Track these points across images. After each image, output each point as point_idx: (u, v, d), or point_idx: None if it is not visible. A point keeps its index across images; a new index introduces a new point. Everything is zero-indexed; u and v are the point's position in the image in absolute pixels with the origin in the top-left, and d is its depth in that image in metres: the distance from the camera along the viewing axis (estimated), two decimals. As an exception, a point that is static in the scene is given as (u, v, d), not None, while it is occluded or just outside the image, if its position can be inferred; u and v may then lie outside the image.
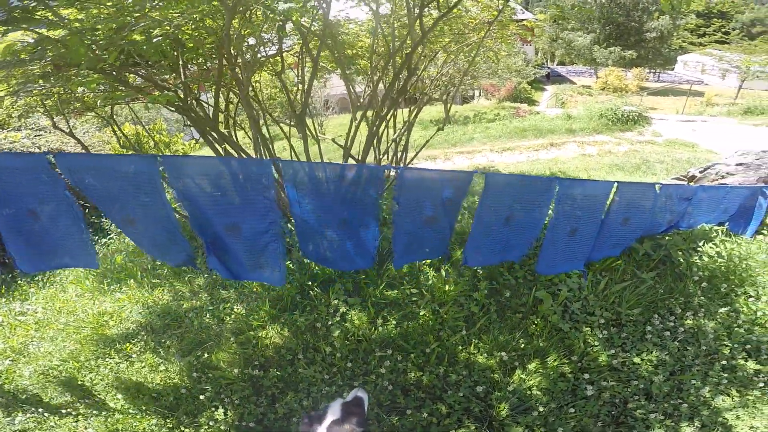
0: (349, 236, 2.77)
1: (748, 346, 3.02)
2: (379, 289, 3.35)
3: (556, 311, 3.20)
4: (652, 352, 2.96)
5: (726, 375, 2.86)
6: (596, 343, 2.99)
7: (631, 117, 11.79)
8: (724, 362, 2.93)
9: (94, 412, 2.67)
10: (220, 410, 2.63)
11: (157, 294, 3.67)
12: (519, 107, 18.84)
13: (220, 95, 3.70)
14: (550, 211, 2.87)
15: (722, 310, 3.27)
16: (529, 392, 2.69)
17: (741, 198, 4.49)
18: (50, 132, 5.47)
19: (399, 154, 6.79)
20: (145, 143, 7.32)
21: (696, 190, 3.77)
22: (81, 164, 2.22)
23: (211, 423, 2.55)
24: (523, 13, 30.25)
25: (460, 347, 2.99)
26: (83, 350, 3.19)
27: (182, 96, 3.46)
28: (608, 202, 3.17)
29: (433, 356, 2.89)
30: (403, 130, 5.81)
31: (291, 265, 3.59)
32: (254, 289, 3.50)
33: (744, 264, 3.75)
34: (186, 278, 3.81)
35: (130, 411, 2.64)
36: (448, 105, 16.90)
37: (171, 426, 2.57)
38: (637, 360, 2.92)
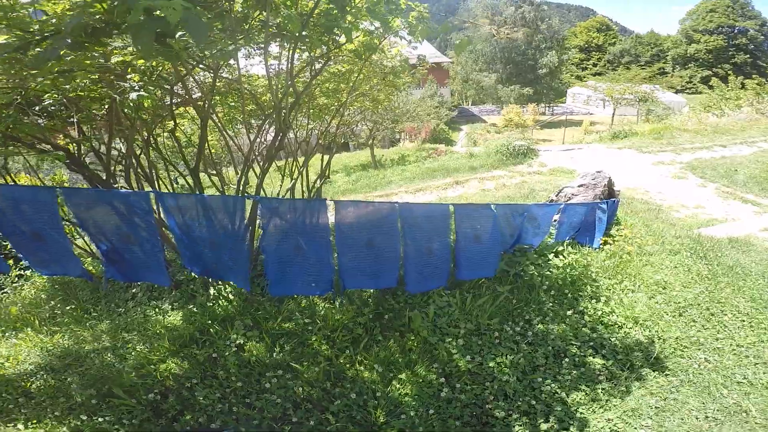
0: (219, 256, 3.18)
1: (593, 344, 3.60)
2: (277, 321, 3.74)
3: (427, 327, 3.68)
4: (506, 356, 3.45)
5: (575, 371, 3.35)
6: (455, 351, 3.48)
7: (521, 151, 13.46)
8: (574, 360, 3.46)
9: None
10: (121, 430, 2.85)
11: (57, 339, 3.78)
12: (438, 148, 20.39)
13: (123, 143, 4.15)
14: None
15: (569, 313, 3.90)
16: (401, 399, 3.13)
17: (577, 214, 5.61)
18: None
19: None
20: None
21: (529, 207, 4.78)
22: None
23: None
24: (439, 57, 33.49)
25: (347, 365, 3.41)
26: None
27: (74, 152, 3.65)
28: (452, 223, 3.72)
29: (321, 374, 3.28)
30: (319, 179, 6.58)
31: (194, 308, 3.94)
32: (157, 331, 3.74)
33: (587, 270, 4.51)
34: (87, 324, 3.98)
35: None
36: (373, 150, 17.57)
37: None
38: (492, 364, 3.38)
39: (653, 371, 3.40)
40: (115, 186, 4.22)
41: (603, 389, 3.25)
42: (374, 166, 17.12)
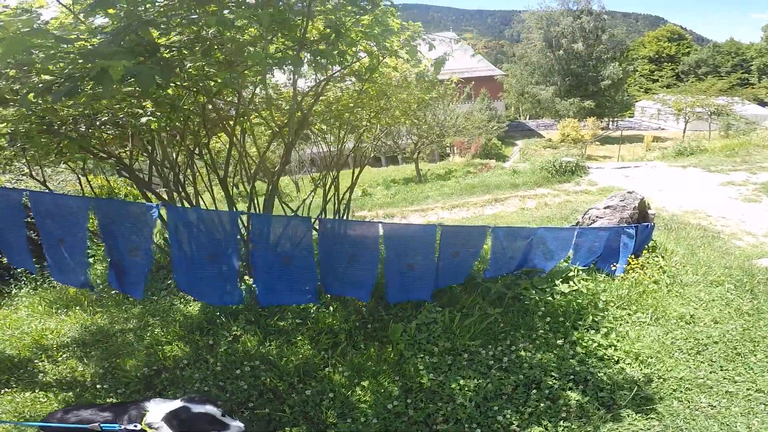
0: (218, 271, 3.48)
1: (576, 377, 3.33)
2: (273, 319, 4.03)
3: (405, 340, 3.67)
4: (473, 379, 3.32)
5: (542, 404, 3.11)
6: (422, 367, 3.43)
7: (568, 168, 12.50)
8: (545, 392, 3.22)
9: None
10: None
11: (96, 318, 4.40)
12: (488, 163, 20.10)
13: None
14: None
15: (559, 342, 3.66)
16: (357, 405, 3.18)
17: (597, 238, 5.27)
18: (30, 178, 6.40)
19: (342, 212, 7.79)
20: (118, 191, 8.46)
21: (536, 230, 4.63)
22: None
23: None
24: (492, 70, 33.11)
25: (321, 365, 3.54)
26: (18, 356, 3.85)
27: (125, 162, 4.42)
28: (437, 243, 3.76)
29: (293, 370, 3.46)
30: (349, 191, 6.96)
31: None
32: (176, 318, 4.20)
33: (594, 299, 4.18)
34: (124, 307, 4.57)
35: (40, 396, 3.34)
36: (419, 163, 17.83)
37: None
38: (454, 385, 3.26)
39: (636, 413, 3.07)
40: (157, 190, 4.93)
41: (566, 428, 2.99)
42: (418, 180, 17.24)
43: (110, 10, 2.57)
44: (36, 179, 5.06)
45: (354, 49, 4.03)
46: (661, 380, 3.32)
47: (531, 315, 4.02)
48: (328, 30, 3.47)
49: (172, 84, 3.27)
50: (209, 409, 2.40)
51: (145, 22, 2.43)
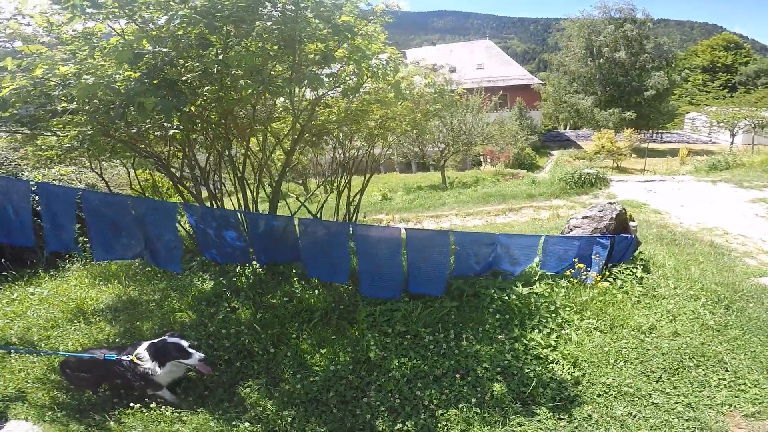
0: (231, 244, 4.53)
1: (505, 371, 3.59)
2: (267, 297, 4.70)
3: (368, 321, 4.16)
4: (413, 359, 3.71)
5: (465, 389, 3.40)
6: (373, 344, 3.88)
7: (588, 180, 12.10)
8: (471, 380, 3.50)
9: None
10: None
11: (129, 290, 5.27)
12: (518, 173, 19.87)
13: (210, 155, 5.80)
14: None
15: (500, 337, 3.92)
16: (311, 367, 3.76)
17: (571, 247, 5.32)
18: (90, 171, 7.32)
19: (351, 214, 8.37)
20: (161, 184, 9.70)
21: (497, 237, 4.89)
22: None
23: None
24: (528, 79, 32.54)
25: (293, 335, 4.16)
26: (62, 317, 4.73)
27: (163, 161, 5.37)
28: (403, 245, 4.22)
29: (268, 336, 4.11)
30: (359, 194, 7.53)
31: (222, 280, 5.02)
32: (193, 293, 4.92)
33: (547, 303, 4.38)
34: (153, 283, 5.42)
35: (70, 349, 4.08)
36: (445, 171, 18.18)
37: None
38: (395, 362, 3.67)
39: (549, 411, 3.24)
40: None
41: (477, 413, 3.22)
42: (443, 188, 17.48)
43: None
44: (95, 171, 6.23)
45: (346, 70, 4.57)
46: (589, 384, 3.50)
47: (484, 311, 4.30)
48: (317, 57, 4.05)
49: (191, 106, 4.08)
50: (179, 341, 3.22)
51: (167, 63, 3.24)
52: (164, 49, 3.40)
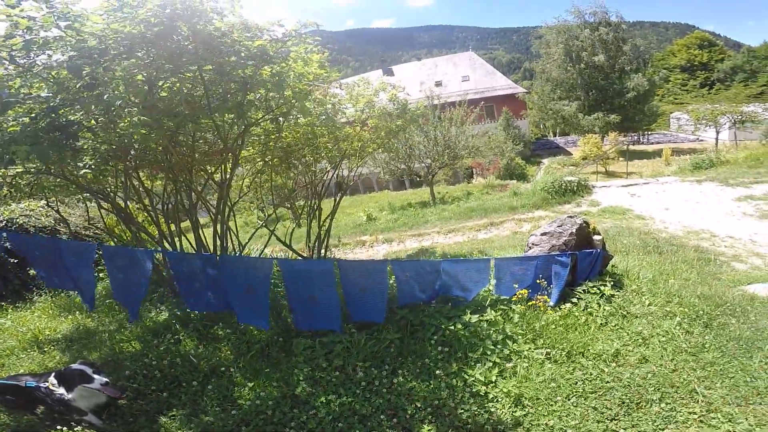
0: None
1: (435, 411, 3.20)
2: (213, 329, 4.58)
3: (305, 355, 3.88)
4: (342, 396, 3.36)
5: (389, 430, 3.05)
6: (302, 378, 3.61)
7: (570, 188, 11.59)
8: (395, 420, 3.15)
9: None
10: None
11: (87, 321, 5.24)
12: (507, 184, 19.62)
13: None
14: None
15: (438, 372, 3.48)
16: (236, 399, 3.60)
17: (527, 267, 4.89)
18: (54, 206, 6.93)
19: (322, 238, 8.00)
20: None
21: (442, 263, 4.47)
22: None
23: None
24: (513, 88, 32.46)
25: (229, 367, 3.95)
26: (18, 345, 4.76)
27: (119, 202, 5.17)
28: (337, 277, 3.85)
29: (205, 366, 4.01)
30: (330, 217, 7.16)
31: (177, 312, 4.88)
32: (146, 323, 4.87)
33: (493, 333, 3.95)
34: (111, 314, 5.40)
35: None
36: (432, 186, 17.88)
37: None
38: (323, 399, 3.34)
39: None
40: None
41: None
42: (432, 204, 17.12)
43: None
44: (51, 207, 6.14)
45: (265, 96, 4.29)
46: (530, 426, 3.04)
47: (426, 342, 3.85)
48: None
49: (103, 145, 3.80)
50: (82, 368, 3.34)
51: (51, 109, 3.09)
52: (43, 94, 3.13)
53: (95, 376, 3.31)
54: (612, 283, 5.11)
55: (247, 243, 6.37)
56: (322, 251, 7.76)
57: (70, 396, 3.27)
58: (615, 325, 4.41)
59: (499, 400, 3.23)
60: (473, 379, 3.37)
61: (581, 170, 15.48)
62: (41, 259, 4.31)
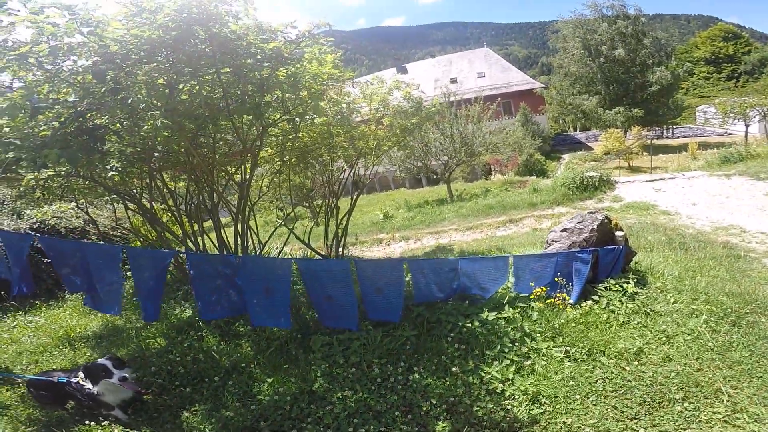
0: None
1: (451, 408, 3.17)
2: (235, 326, 4.69)
3: (323, 351, 3.93)
4: (359, 393, 3.38)
5: (405, 428, 3.05)
6: (320, 375, 3.65)
7: (591, 183, 11.33)
8: (410, 417, 3.14)
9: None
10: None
11: (116, 319, 5.40)
12: (526, 180, 19.30)
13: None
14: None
15: (454, 369, 3.46)
16: (256, 395, 3.68)
17: (547, 264, 4.78)
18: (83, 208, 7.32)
19: (339, 236, 8.09)
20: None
21: (460, 261, 4.43)
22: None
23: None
24: (529, 83, 31.84)
25: (248, 361, 4.07)
26: (51, 342, 4.97)
27: (145, 203, 5.35)
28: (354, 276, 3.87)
29: (227, 363, 4.12)
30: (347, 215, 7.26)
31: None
32: (170, 320, 5.06)
33: (511, 330, 3.91)
34: (138, 311, 5.33)
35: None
36: (450, 184, 17.75)
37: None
38: (339, 394, 3.37)
39: None
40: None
41: None
42: (450, 201, 17.01)
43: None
44: (81, 209, 6.45)
45: (281, 97, 4.35)
46: (547, 424, 2.98)
47: (443, 340, 3.83)
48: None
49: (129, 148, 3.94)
50: (105, 362, 3.47)
51: (78, 114, 3.17)
52: (71, 99, 3.25)
53: (114, 371, 3.44)
54: (635, 280, 4.97)
55: (267, 241, 6.46)
56: (340, 249, 7.83)
57: (97, 390, 3.39)
58: (638, 323, 4.29)
59: (516, 397, 3.19)
60: (490, 376, 3.34)
61: (603, 165, 15.08)
62: (66, 263, 4.42)
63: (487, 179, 22.68)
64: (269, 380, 3.73)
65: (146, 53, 3.25)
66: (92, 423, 3.39)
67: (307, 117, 4.66)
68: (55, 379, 3.51)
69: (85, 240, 5.72)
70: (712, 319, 4.31)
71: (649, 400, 3.18)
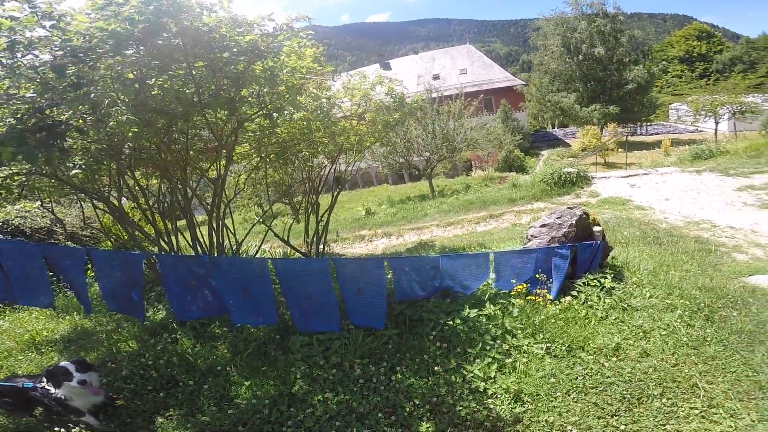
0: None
1: (433, 408, 3.13)
2: (210, 327, 4.56)
3: (302, 352, 3.82)
4: (340, 394, 3.32)
5: (390, 429, 2.99)
6: (299, 377, 3.56)
7: (569, 179, 11.51)
8: (393, 418, 3.08)
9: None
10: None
11: (86, 322, 5.24)
12: (507, 176, 19.45)
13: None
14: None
15: (437, 368, 3.43)
16: (233, 398, 3.59)
17: (527, 260, 4.81)
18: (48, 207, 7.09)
19: (320, 234, 7.94)
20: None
21: (441, 259, 4.40)
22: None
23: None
24: (510, 80, 32.17)
25: (225, 365, 3.91)
26: (17, 347, 4.78)
27: (114, 202, 5.10)
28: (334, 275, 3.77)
29: (202, 365, 3.98)
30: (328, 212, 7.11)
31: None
32: (146, 324, 4.76)
33: (492, 327, 3.89)
34: (109, 314, 5.33)
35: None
36: (432, 180, 17.67)
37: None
38: (319, 396, 3.30)
39: None
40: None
41: None
42: (431, 197, 17.02)
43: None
44: (45, 208, 6.04)
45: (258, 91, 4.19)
46: (530, 423, 2.97)
47: (425, 338, 3.78)
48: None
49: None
50: (67, 365, 3.36)
51: (37, 110, 2.96)
52: (28, 95, 3.05)
53: (75, 374, 3.30)
54: (612, 275, 5.04)
55: (243, 240, 6.29)
56: (321, 246, 7.69)
57: (62, 395, 3.27)
58: (616, 319, 4.34)
59: (498, 396, 3.17)
60: (472, 375, 3.32)
61: (580, 162, 15.35)
62: (17, 270, 4.20)
63: (467, 175, 22.85)
64: (247, 383, 3.62)
65: (112, 47, 3.06)
66: (61, 430, 3.20)
67: (285, 112, 4.50)
68: (20, 384, 3.37)
69: (53, 241, 5.39)
70: (686, 313, 4.40)
71: (629, 396, 3.21)
